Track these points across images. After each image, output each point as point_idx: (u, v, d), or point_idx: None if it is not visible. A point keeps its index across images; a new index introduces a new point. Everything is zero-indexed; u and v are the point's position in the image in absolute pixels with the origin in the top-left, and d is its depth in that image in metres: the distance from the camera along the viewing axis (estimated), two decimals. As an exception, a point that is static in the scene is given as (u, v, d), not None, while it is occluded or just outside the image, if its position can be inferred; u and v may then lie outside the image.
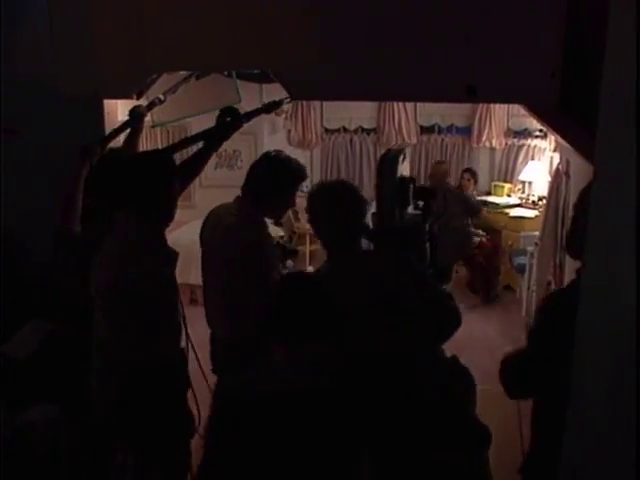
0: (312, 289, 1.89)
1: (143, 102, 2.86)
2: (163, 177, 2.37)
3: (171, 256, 2.44)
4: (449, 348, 2.41)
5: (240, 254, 2.55)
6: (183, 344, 2.49)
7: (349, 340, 1.89)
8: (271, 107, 3.03)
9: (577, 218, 1.90)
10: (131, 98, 2.53)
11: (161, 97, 2.96)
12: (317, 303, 1.83)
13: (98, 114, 2.86)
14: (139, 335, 2.32)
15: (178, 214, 2.72)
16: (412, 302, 2.17)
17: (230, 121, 2.83)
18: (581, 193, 1.97)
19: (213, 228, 2.76)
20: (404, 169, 2.75)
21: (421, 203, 2.81)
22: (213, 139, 2.84)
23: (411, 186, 2.67)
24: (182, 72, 2.88)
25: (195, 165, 2.81)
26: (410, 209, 2.76)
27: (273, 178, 2.69)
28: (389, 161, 2.59)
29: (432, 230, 2.81)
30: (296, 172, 2.74)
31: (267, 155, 2.78)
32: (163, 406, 2.27)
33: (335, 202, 2.25)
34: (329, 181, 2.42)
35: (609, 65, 1.30)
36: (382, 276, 2.17)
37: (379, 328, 2.09)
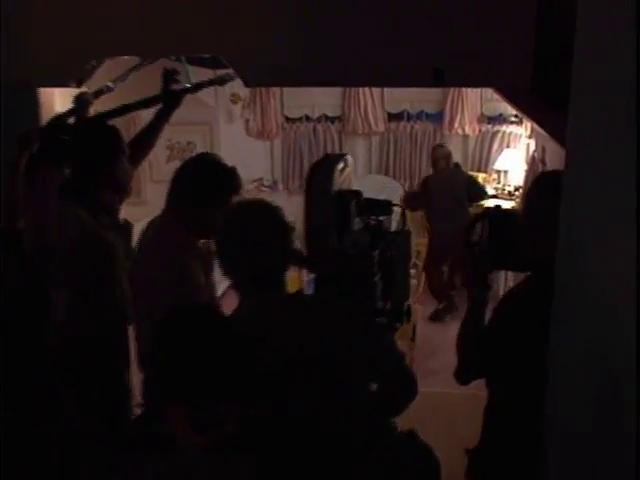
0: (221, 328, 1.60)
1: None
2: (108, 146, 2.35)
3: (122, 229, 2.47)
4: (424, 354, 2.34)
5: (145, 281, 2.37)
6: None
7: (271, 407, 1.67)
8: (224, 79, 2.96)
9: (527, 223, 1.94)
10: (70, 86, 2.48)
11: (110, 85, 2.90)
12: (226, 346, 1.54)
13: (33, 105, 2.75)
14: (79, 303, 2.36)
15: (128, 212, 2.69)
16: (353, 364, 1.87)
17: (175, 90, 2.80)
18: (526, 195, 2.01)
19: (139, 241, 2.63)
20: (345, 180, 2.40)
21: (373, 221, 2.46)
22: (164, 109, 2.81)
23: (353, 202, 2.31)
24: (130, 58, 2.83)
25: (147, 137, 2.76)
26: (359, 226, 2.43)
27: (196, 189, 2.44)
28: (322, 172, 2.26)
29: (385, 258, 2.39)
30: (225, 182, 2.45)
31: (193, 160, 2.60)
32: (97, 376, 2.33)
33: (249, 228, 1.91)
34: (241, 201, 2.02)
35: (579, 48, 1.32)
36: (314, 328, 1.85)
37: (309, 394, 1.81)
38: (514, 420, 1.87)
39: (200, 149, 6.80)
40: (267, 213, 1.96)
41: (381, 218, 2.48)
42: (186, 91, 2.85)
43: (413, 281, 4.72)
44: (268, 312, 1.87)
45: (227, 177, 2.45)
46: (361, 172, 7.15)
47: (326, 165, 2.31)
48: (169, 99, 2.80)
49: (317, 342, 1.82)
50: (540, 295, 1.61)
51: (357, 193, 2.40)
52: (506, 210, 2.11)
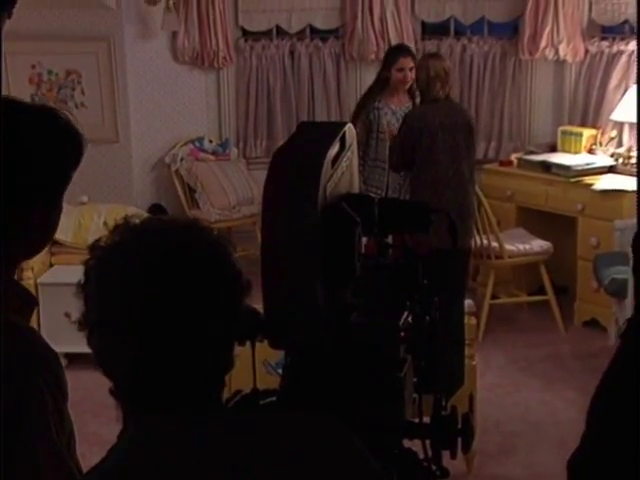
0: None
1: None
2: None
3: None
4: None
5: None
6: None
7: None
8: None
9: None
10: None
11: None
12: None
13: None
14: None
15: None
16: None
17: None
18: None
19: None
20: (341, 178, 1.73)
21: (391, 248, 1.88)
22: None
23: (359, 228, 1.63)
24: None
25: None
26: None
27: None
28: (298, 171, 1.61)
29: (422, 325, 1.78)
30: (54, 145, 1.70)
31: None
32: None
33: (148, 281, 1.36)
34: (130, 225, 1.10)
35: None
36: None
37: None
38: None
39: (88, 84, 5.83)
40: (191, 248, 1.38)
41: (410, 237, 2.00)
42: None
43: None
44: (173, 452, 1.35)
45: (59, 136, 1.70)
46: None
47: (305, 155, 1.66)
48: None
49: None
50: None
51: (364, 202, 1.83)
52: None
